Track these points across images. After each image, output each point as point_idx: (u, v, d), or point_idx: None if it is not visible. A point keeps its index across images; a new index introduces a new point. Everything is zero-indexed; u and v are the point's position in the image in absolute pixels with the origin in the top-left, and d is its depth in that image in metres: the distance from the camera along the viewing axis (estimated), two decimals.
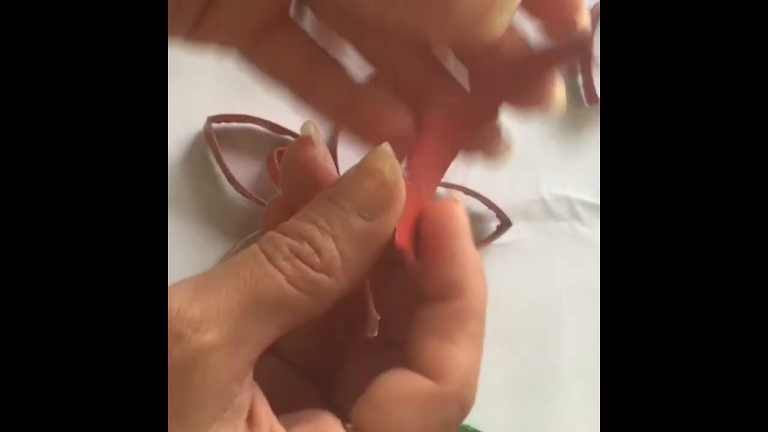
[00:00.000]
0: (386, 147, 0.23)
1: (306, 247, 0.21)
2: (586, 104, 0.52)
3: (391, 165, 0.23)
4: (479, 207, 0.50)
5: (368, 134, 0.25)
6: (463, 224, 0.24)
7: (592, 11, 0.52)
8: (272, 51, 0.25)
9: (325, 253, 0.22)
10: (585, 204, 0.52)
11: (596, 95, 0.51)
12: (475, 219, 0.50)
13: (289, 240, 0.22)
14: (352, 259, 0.22)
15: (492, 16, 0.21)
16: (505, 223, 0.50)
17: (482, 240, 0.50)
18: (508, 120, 0.54)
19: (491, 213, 0.50)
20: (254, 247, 0.22)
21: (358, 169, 0.23)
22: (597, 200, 0.51)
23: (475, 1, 0.21)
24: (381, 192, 0.22)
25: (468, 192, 0.50)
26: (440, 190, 0.50)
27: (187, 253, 0.47)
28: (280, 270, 0.21)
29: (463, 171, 0.50)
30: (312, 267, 0.21)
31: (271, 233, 0.22)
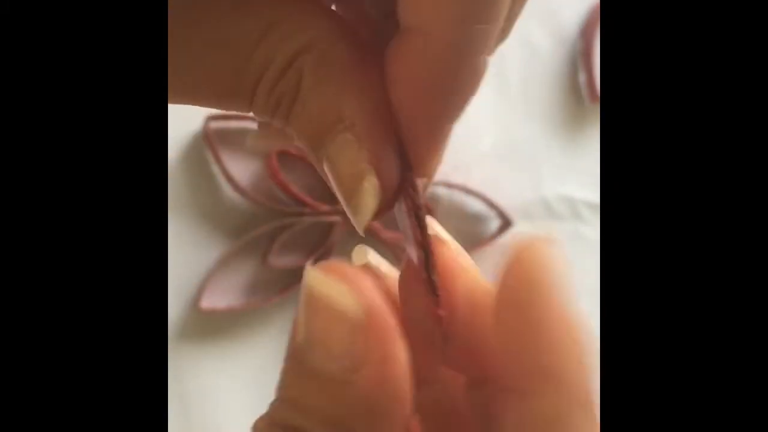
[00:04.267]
0: (312, 270, 0.17)
1: None
2: (588, 103, 0.52)
3: (338, 299, 0.17)
4: (480, 207, 0.50)
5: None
6: (553, 274, 0.17)
7: (592, 11, 0.52)
8: None
9: None
10: (587, 204, 0.52)
11: (598, 94, 0.51)
12: (476, 219, 0.50)
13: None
14: None
15: (353, 206, 0.19)
16: (506, 223, 0.50)
17: (483, 240, 0.50)
18: (509, 117, 0.54)
19: (492, 213, 0.50)
20: None
21: (297, 317, 0.18)
22: (599, 200, 0.51)
23: (336, 186, 0.19)
24: (346, 334, 0.17)
25: (469, 191, 0.50)
26: (441, 190, 0.50)
27: (185, 252, 0.47)
28: None
29: (465, 170, 0.50)
30: None
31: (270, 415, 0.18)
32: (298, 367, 0.18)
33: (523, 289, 0.17)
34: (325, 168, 0.19)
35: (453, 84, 0.19)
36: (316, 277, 0.17)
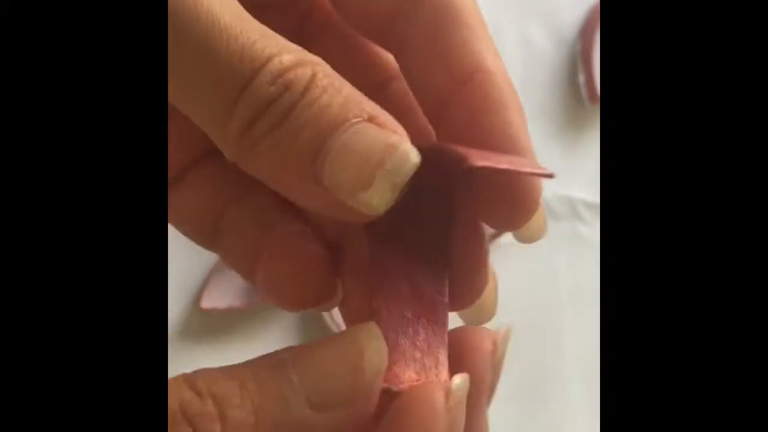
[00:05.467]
0: (374, 328, 0.18)
1: (208, 407, 0.16)
2: (588, 104, 0.52)
3: (376, 348, 0.18)
4: None
5: (274, 290, 0.21)
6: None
7: (592, 11, 0.52)
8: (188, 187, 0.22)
9: (229, 423, 0.16)
10: (586, 204, 0.52)
11: (598, 94, 0.51)
12: None
13: (188, 392, 0.16)
14: None
15: (368, 194, 0.18)
16: None
17: None
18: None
19: None
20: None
21: (331, 339, 0.18)
22: (599, 200, 0.51)
23: (347, 173, 0.18)
24: (348, 380, 0.17)
25: None
26: None
27: (186, 252, 0.47)
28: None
29: None
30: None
31: (195, 373, 0.17)
32: (272, 363, 0.17)
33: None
34: (333, 166, 0.18)
35: None
36: (366, 326, 0.18)
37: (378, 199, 0.18)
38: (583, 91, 0.52)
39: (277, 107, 0.18)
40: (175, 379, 0.17)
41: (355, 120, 0.18)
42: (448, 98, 0.21)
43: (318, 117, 0.18)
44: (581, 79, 0.52)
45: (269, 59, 0.18)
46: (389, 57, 0.23)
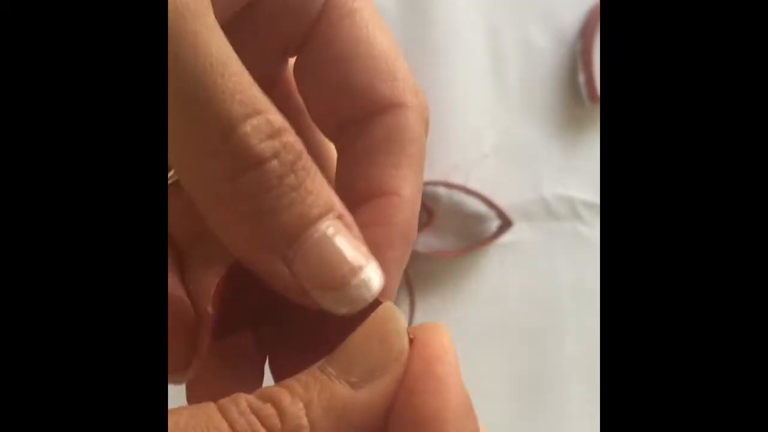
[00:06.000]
0: (392, 305, 0.20)
1: (267, 408, 0.18)
2: (588, 103, 0.52)
3: (396, 325, 0.19)
4: (480, 207, 0.50)
5: None
6: (452, 353, 0.20)
7: (592, 11, 0.52)
8: None
9: (289, 418, 0.18)
10: (586, 204, 0.52)
11: (598, 94, 0.51)
12: (476, 219, 0.50)
13: (250, 397, 0.18)
14: None
15: (334, 295, 0.19)
16: (506, 223, 0.50)
17: (483, 240, 0.50)
18: (509, 117, 0.53)
19: (492, 213, 0.50)
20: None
21: (356, 332, 0.19)
22: (599, 200, 0.51)
23: (319, 270, 0.19)
24: (377, 354, 0.19)
25: (469, 192, 0.50)
26: (441, 190, 0.50)
27: None
28: (229, 421, 0.18)
29: (464, 171, 0.50)
30: (269, 430, 0.18)
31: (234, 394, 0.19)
32: (311, 370, 0.19)
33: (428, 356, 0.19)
34: (306, 258, 0.19)
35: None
36: (385, 307, 0.20)
37: (339, 304, 0.19)
38: (583, 91, 0.52)
39: (267, 172, 0.18)
40: (226, 398, 0.18)
41: (332, 215, 0.19)
42: (354, 130, 0.22)
43: (303, 202, 0.19)
44: (581, 79, 0.52)
45: (258, 112, 0.18)
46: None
